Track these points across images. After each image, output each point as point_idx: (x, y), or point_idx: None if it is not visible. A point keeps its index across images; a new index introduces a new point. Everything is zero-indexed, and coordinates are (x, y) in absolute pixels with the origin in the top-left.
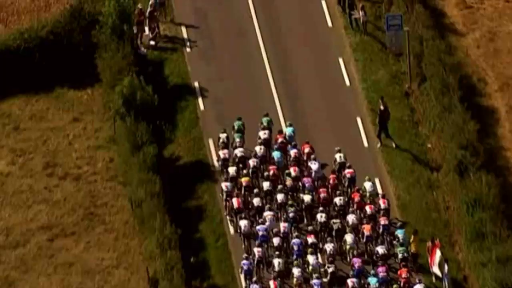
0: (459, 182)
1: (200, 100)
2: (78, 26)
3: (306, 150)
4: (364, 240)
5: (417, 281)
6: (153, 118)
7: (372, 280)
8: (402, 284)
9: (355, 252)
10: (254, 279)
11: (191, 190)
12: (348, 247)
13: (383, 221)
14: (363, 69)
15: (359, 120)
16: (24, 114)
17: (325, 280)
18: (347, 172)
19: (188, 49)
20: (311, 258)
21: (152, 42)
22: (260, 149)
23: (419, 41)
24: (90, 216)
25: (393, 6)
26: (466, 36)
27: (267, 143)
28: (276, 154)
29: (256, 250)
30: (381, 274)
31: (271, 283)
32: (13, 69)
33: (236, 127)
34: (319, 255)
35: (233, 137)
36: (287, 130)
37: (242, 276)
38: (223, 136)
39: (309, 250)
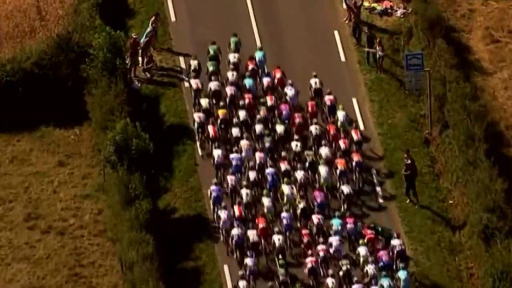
0: (484, 249)
1: (199, 145)
2: (65, 58)
3: (278, 75)
4: (338, 175)
5: None
6: (148, 166)
7: (335, 222)
8: None
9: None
10: (223, 204)
11: (187, 249)
12: (322, 180)
13: (356, 157)
14: (379, 111)
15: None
16: (5, 156)
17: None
18: (327, 99)
19: (186, 84)
20: (286, 188)
21: (147, 74)
22: (232, 75)
23: (442, 82)
24: (75, 277)
25: (412, 38)
26: (493, 75)
27: (237, 67)
28: (248, 82)
29: (230, 179)
30: (348, 226)
31: (236, 208)
32: None
33: (211, 52)
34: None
35: (206, 65)
36: (257, 55)
37: (210, 203)
38: (194, 63)
39: (285, 180)
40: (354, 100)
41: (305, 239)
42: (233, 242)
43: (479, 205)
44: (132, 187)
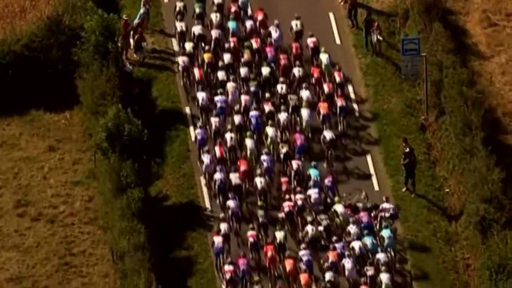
0: (481, 241)
1: (191, 130)
2: (56, 41)
3: (259, 17)
4: (320, 119)
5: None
6: (139, 153)
7: (313, 172)
8: None
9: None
10: (206, 148)
11: (180, 237)
12: (304, 123)
13: (340, 102)
14: (374, 96)
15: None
16: None
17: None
18: (310, 41)
19: (179, 61)
20: (270, 130)
21: (137, 56)
22: (216, 16)
23: (438, 67)
24: (66, 266)
25: (408, 21)
26: (490, 60)
27: (221, 8)
28: (231, 25)
29: (213, 121)
30: (326, 181)
31: (217, 148)
32: None
33: None
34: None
35: (194, 7)
36: None
37: (196, 146)
38: (180, 4)
39: (269, 122)
40: (349, 85)
41: (284, 187)
42: (216, 186)
43: (476, 195)
44: (123, 175)
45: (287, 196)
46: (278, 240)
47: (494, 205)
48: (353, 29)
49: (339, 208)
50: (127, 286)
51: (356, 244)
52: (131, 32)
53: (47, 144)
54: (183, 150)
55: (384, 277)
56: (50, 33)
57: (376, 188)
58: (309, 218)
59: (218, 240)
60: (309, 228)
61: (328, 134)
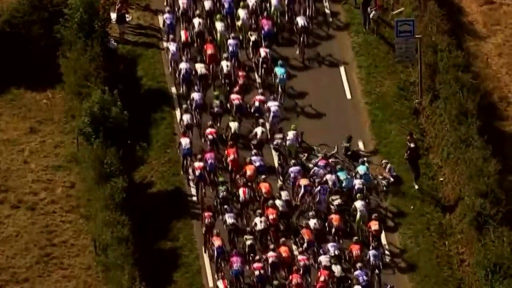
0: (477, 238)
1: (178, 112)
2: (39, 18)
3: None
4: (286, 2)
5: None
6: (124, 136)
7: (279, 71)
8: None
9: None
10: (171, 36)
11: (165, 227)
12: (272, 8)
13: None
14: (366, 78)
15: None
16: None
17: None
18: None
19: (165, 43)
20: (241, 13)
21: (119, 28)
22: None
23: (433, 49)
24: (46, 258)
25: None
26: (487, 40)
27: None
28: None
29: (181, 2)
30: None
31: (183, 33)
32: None
33: None
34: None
35: None
36: None
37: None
38: None
39: (241, 4)
40: (341, 66)
41: (240, 81)
42: (181, 76)
43: (472, 189)
44: (107, 162)
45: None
46: (232, 131)
47: (490, 199)
48: (343, 3)
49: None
50: (110, 281)
51: (329, 178)
52: (115, 5)
53: (28, 126)
54: (168, 134)
55: (358, 204)
56: (32, 9)
57: (349, 96)
58: (261, 120)
59: (185, 141)
60: (259, 130)
61: (301, 21)
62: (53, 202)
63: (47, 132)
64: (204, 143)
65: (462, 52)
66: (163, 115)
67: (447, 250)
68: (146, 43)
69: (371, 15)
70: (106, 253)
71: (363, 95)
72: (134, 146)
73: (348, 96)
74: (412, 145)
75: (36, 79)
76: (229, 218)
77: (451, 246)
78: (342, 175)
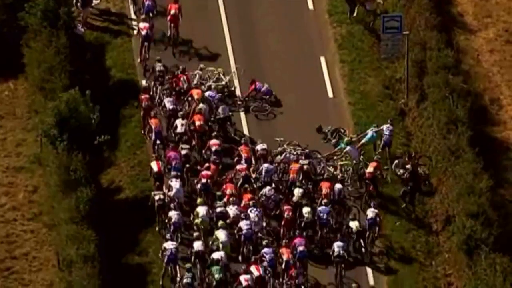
0: (466, 264)
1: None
2: (2, 2)
3: None
4: None
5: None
6: (91, 137)
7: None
8: None
9: None
10: None
11: (133, 239)
12: None
13: None
14: (350, 75)
15: None
16: None
17: None
18: None
19: (135, 31)
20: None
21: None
22: None
23: (421, 46)
24: (6, 272)
25: None
26: (477, 34)
27: None
28: None
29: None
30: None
31: None
32: None
33: None
34: None
35: None
36: None
37: None
38: None
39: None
40: (323, 60)
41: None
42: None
43: (461, 209)
44: (72, 169)
45: None
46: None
47: (481, 220)
48: None
49: None
50: None
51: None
52: None
53: None
54: (138, 133)
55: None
56: None
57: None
58: None
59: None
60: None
61: None
62: (14, 209)
63: (9, 128)
64: None
65: (451, 51)
66: (132, 112)
67: (434, 271)
68: (116, 31)
69: (367, 7)
70: (70, 269)
71: (346, 93)
72: (101, 146)
73: (330, 95)
74: (409, 168)
75: None
76: (168, 103)
77: (438, 267)
78: None
